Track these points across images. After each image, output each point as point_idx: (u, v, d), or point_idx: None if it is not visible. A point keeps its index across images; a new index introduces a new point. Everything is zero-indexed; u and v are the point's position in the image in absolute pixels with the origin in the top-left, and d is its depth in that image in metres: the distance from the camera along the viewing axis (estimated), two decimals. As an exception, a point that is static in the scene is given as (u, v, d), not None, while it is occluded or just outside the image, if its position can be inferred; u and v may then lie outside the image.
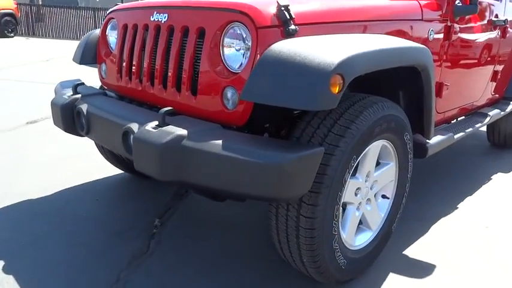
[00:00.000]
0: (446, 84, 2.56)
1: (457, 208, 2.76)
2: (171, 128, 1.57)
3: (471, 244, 2.32)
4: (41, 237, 2.23)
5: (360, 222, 2.00)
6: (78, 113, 2.09)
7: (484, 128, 3.81)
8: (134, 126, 1.70)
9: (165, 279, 1.93)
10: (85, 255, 2.08)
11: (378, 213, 2.03)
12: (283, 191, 1.40)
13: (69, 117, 2.14)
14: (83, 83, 2.34)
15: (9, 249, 2.12)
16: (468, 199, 2.90)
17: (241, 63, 1.66)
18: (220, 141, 1.48)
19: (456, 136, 2.63)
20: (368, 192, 1.92)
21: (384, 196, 2.08)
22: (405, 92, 2.20)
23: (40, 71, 8.01)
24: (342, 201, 1.71)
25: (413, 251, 2.22)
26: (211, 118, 1.76)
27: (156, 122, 1.63)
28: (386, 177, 2.02)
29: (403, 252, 2.20)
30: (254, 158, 1.38)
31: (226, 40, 1.71)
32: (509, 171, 3.46)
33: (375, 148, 1.83)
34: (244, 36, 1.64)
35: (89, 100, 2.11)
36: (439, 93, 2.55)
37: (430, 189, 3.01)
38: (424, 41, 2.26)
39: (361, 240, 1.97)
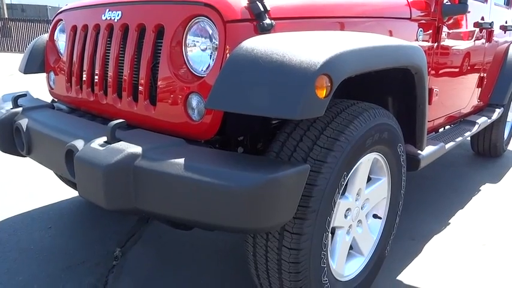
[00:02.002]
0: (435, 90, 2.36)
1: (449, 224, 2.55)
2: (121, 145, 1.28)
3: (469, 264, 2.09)
4: (-27, 277, 1.87)
5: (350, 247, 1.74)
6: (17, 130, 1.77)
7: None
8: (79, 144, 1.39)
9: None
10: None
11: (369, 236, 1.78)
12: (259, 221, 1.12)
13: (7, 134, 1.81)
14: (25, 95, 2.01)
15: None
16: (459, 214, 2.69)
17: (208, 65, 1.40)
18: (180, 160, 1.19)
19: (447, 146, 2.43)
20: (359, 213, 1.66)
21: (375, 216, 1.83)
22: (395, 99, 1.98)
23: (1, 86, 7.53)
24: (332, 226, 1.45)
25: (408, 275, 1.97)
26: (174, 131, 1.48)
27: (105, 138, 1.34)
28: (378, 194, 1.78)
29: (397, 278, 1.95)
30: (220, 181, 1.10)
31: (190, 38, 1.44)
32: (497, 182, 3.29)
33: (366, 162, 1.58)
34: (210, 32, 1.38)
35: (31, 114, 1.79)
36: (429, 100, 2.35)
37: (419, 205, 2.79)
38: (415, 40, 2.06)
39: (352, 268, 1.70)
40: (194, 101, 1.41)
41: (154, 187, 1.21)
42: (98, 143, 1.32)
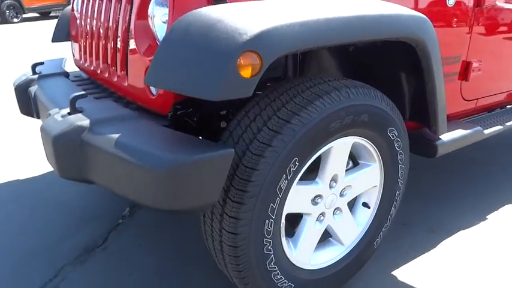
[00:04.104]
0: (476, 64, 2.01)
1: (485, 219, 2.23)
2: (74, 117, 1.32)
3: (493, 269, 1.83)
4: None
5: (330, 235, 1.63)
6: (29, 95, 1.94)
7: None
8: (53, 112, 1.48)
9: (103, 282, 1.74)
10: (34, 244, 1.96)
11: (353, 226, 1.64)
12: (174, 202, 1.10)
13: (24, 99, 2.00)
14: (42, 63, 2.18)
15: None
16: (506, 209, 2.34)
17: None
18: (115, 136, 1.20)
19: (487, 131, 2.08)
20: (336, 200, 1.53)
21: (364, 204, 1.68)
22: (409, 75, 1.74)
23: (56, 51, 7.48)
24: (285, 213, 1.36)
25: (420, 270, 1.79)
26: (143, 104, 1.50)
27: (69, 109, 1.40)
28: (366, 181, 1.61)
29: (405, 271, 1.79)
30: (136, 160, 1.09)
31: (152, 8, 1.40)
32: None
33: (341, 147, 1.43)
34: (164, 2, 1.33)
35: (41, 81, 1.93)
36: (465, 76, 2.02)
37: (455, 192, 2.48)
38: (442, 5, 1.75)
39: (325, 257, 1.60)
40: (152, 74, 1.39)
41: (95, 161, 1.25)
42: (61, 113, 1.39)
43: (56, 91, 1.79)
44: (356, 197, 1.69)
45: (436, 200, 2.38)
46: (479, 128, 2.04)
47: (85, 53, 1.95)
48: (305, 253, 1.50)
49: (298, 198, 1.39)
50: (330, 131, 1.32)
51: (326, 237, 1.64)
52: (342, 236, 1.61)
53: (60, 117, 1.37)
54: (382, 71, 1.81)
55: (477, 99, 2.18)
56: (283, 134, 1.23)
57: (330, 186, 1.49)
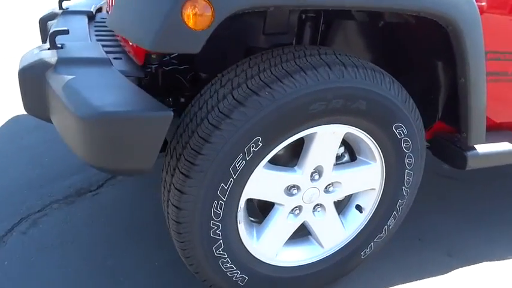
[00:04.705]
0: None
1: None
2: (48, 53, 1.26)
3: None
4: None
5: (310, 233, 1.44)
6: (48, 29, 1.93)
7: None
8: (40, 47, 1.43)
9: (79, 226, 1.73)
10: (36, 176, 2.01)
11: (338, 228, 1.42)
12: (104, 159, 0.99)
13: (45, 32, 2.01)
14: None
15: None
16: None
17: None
18: (69, 77, 1.11)
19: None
20: (318, 196, 1.32)
21: (357, 207, 1.45)
22: (447, 65, 1.43)
23: None
24: (244, 197, 1.19)
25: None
26: (129, 50, 1.40)
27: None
28: (362, 182, 1.37)
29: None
30: (71, 105, 0.99)
31: None
32: None
33: (328, 135, 1.21)
34: None
35: (62, 17, 1.91)
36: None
37: (478, 215, 2.08)
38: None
39: (299, 255, 1.41)
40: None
41: (50, 101, 1.18)
42: (41, 48, 1.34)
43: (68, 27, 1.75)
44: (350, 197, 1.46)
45: (461, 219, 2.03)
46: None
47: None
48: (270, 246, 1.33)
49: (265, 184, 1.21)
50: (309, 113, 1.11)
51: (306, 233, 1.45)
52: (322, 237, 1.41)
53: (38, 50, 1.31)
54: (417, 56, 1.51)
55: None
56: (247, 106, 1.05)
57: (312, 179, 1.28)
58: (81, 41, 1.51)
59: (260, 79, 1.08)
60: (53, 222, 1.74)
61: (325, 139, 1.22)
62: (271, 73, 1.08)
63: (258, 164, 1.14)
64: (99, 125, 0.94)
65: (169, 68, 1.46)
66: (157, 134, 0.97)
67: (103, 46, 1.45)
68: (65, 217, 1.77)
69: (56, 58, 1.22)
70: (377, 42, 1.61)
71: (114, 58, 1.41)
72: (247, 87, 1.07)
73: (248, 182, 1.16)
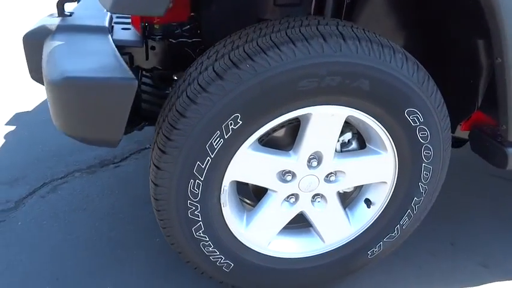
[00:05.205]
0: None
1: None
2: (52, 20, 1.26)
3: None
4: None
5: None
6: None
7: None
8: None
9: (95, 195, 1.77)
10: (64, 145, 2.08)
11: (342, 222, 1.28)
12: (73, 126, 0.97)
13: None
14: None
15: None
16: None
17: None
18: (59, 43, 1.10)
19: None
20: (318, 185, 1.20)
21: (367, 201, 1.29)
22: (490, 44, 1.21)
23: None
24: (228, 178, 1.10)
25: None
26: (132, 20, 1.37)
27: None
28: (371, 173, 1.22)
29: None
30: (48, 70, 0.98)
31: None
32: None
33: (326, 117, 1.08)
34: None
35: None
36: None
37: None
38: None
39: (296, 247, 1.30)
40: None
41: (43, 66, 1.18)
42: (53, 15, 1.35)
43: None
44: (360, 190, 1.32)
45: (505, 227, 1.75)
46: None
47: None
48: (261, 234, 1.23)
49: (252, 166, 1.11)
50: (299, 90, 0.99)
51: (308, 225, 1.33)
52: (323, 230, 1.28)
53: (47, 18, 1.33)
54: (454, 34, 1.30)
55: None
56: (226, 79, 0.96)
57: (310, 166, 1.16)
58: (96, 10, 1.50)
59: (244, 50, 0.97)
60: (71, 190, 1.80)
61: (323, 122, 1.09)
62: (257, 44, 0.97)
63: (240, 144, 1.05)
64: (64, 89, 0.91)
65: (178, 40, 1.41)
66: (121, 102, 0.92)
67: (117, 17, 1.44)
68: (83, 186, 1.82)
69: (55, 26, 1.21)
70: (410, 20, 1.41)
71: (122, 28, 1.39)
72: (229, 58, 0.97)
73: (231, 162, 1.07)
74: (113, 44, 1.13)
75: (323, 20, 1.04)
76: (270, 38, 0.98)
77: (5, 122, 2.26)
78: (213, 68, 0.98)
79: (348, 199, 1.36)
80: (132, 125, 1.34)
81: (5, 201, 1.69)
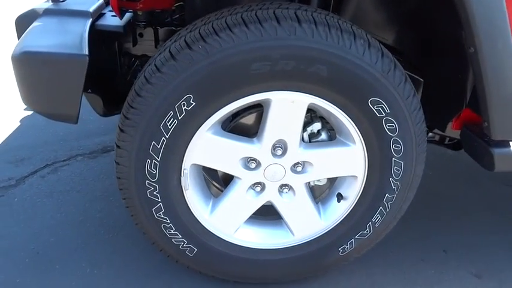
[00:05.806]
0: None
1: None
2: (45, 5, 1.33)
3: None
4: None
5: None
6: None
7: None
8: None
9: (93, 180, 1.84)
10: (70, 131, 2.18)
11: (311, 216, 1.25)
12: (31, 99, 1.02)
13: None
14: None
15: None
16: None
17: None
18: (39, 25, 1.17)
19: None
20: (283, 175, 1.18)
21: (338, 196, 1.25)
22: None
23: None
24: (188, 161, 1.11)
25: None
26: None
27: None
28: (340, 166, 1.18)
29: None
30: (19, 47, 1.03)
31: None
32: None
33: (286, 104, 1.06)
34: None
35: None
36: None
37: None
38: None
39: (263, 238, 1.29)
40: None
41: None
42: (48, 0, 1.43)
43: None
44: (333, 184, 1.28)
45: (505, 237, 1.63)
46: None
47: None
48: (226, 221, 1.23)
49: (213, 151, 1.11)
50: (252, 74, 0.98)
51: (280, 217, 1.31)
52: (292, 223, 1.25)
53: (42, 3, 1.40)
54: (439, 25, 1.24)
55: None
56: (178, 60, 0.97)
57: (274, 154, 1.14)
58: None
59: (199, 32, 0.98)
60: (70, 172, 1.88)
61: (284, 109, 1.07)
62: (211, 26, 0.97)
63: (197, 127, 1.05)
64: (22, 63, 0.97)
65: (164, 28, 1.44)
66: (73, 76, 0.96)
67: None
68: (82, 169, 1.90)
69: (42, 9, 1.28)
70: (398, 13, 1.35)
71: (112, 16, 1.44)
72: (184, 40, 0.98)
73: (190, 145, 1.08)
74: (89, 26, 1.17)
75: (285, 4, 1.02)
76: (225, 21, 0.98)
77: (24, 108, 2.41)
78: (169, 49, 1.00)
79: (323, 193, 1.33)
80: (112, 109, 1.39)
81: (7, 179, 1.80)
